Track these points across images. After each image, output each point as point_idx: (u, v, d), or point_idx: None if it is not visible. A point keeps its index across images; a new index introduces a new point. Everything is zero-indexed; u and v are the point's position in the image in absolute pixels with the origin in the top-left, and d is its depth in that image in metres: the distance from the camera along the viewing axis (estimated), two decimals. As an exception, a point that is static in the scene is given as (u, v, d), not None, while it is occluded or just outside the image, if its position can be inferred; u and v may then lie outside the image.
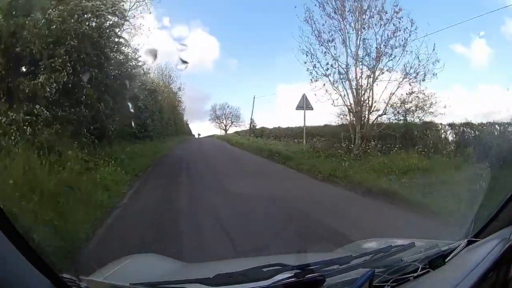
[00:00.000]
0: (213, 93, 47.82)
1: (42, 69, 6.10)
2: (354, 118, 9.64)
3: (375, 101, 9.47)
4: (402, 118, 9.76)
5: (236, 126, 33.45)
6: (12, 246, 0.67)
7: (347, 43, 9.67)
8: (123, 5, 8.17)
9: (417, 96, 9.26)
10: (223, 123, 34.58)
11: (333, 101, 9.74)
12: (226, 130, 34.40)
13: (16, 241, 0.69)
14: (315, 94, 9.99)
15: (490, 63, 15.04)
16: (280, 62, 29.05)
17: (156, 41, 17.85)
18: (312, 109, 11.15)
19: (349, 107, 9.69)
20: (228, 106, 33.69)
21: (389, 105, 9.44)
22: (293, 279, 0.91)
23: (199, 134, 36.09)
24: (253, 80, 34.24)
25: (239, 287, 0.91)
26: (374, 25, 9.34)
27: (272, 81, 39.42)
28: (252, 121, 25.71)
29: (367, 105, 9.50)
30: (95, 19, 7.15)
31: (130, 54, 9.56)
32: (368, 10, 9.42)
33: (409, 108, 9.46)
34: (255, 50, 31.00)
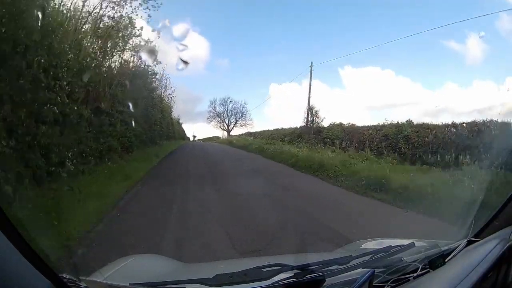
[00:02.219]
0: (204, 94, 45.54)
1: None
2: None
3: None
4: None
5: (241, 126, 26.64)
6: (12, 246, 0.67)
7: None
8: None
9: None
10: (225, 122, 27.26)
11: None
12: (229, 131, 27.33)
13: (16, 241, 0.69)
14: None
15: (484, 60, 15.01)
16: (272, 62, 27.77)
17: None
18: None
19: None
20: (231, 101, 26.89)
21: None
22: (293, 279, 0.91)
23: (194, 137, 29.54)
24: (245, 80, 32.26)
25: (239, 287, 0.91)
26: None
27: (264, 81, 38.78)
28: (312, 112, 16.02)
29: None
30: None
31: None
32: None
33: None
34: (246, 50, 29.23)
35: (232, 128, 27.48)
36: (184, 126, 29.90)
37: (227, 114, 27.35)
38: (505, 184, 3.21)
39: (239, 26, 27.64)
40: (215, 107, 27.37)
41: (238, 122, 27.29)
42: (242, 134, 25.62)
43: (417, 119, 10.78)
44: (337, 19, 23.55)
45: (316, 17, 23.79)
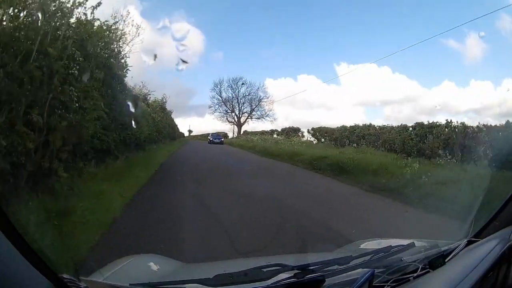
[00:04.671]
0: (198, 87, 41.02)
1: None
2: None
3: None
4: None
5: (258, 119, 18.12)
6: (12, 246, 0.67)
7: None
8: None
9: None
10: (234, 112, 18.36)
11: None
12: (240, 125, 18.72)
13: (16, 241, 0.69)
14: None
15: (483, 59, 14.85)
16: (267, 57, 26.78)
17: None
18: None
19: None
20: (243, 83, 18.06)
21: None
22: (293, 279, 0.91)
23: (190, 131, 20.94)
24: (239, 74, 30.90)
25: (239, 287, 0.91)
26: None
27: (259, 75, 37.92)
28: None
29: None
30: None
31: None
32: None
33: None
34: (241, 44, 27.01)
35: (245, 121, 19.25)
36: (177, 121, 23.63)
37: (237, 101, 18.80)
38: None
39: (234, 16, 26.98)
40: (220, 91, 19.11)
41: (253, 112, 18.70)
42: (274, 131, 16.32)
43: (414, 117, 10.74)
44: (333, 15, 23.24)
45: (312, 13, 23.60)
